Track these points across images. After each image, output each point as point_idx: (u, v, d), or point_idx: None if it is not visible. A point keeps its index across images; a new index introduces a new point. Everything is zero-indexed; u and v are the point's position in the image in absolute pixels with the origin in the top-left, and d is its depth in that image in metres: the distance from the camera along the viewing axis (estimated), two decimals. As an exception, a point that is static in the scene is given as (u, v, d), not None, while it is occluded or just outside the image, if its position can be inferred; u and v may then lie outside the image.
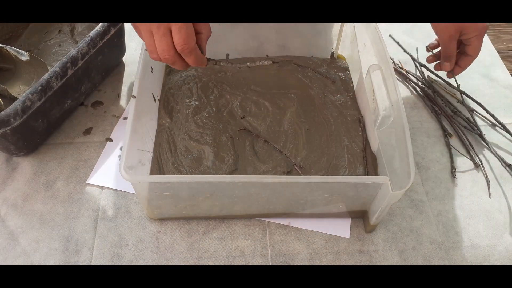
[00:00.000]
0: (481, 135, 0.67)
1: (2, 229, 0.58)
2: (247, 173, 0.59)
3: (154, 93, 0.65)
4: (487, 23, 0.65)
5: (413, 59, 0.79)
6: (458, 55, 0.69)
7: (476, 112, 0.71)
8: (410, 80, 0.76)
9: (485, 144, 0.67)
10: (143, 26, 0.50)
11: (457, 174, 0.64)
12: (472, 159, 0.65)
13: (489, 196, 0.61)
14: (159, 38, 0.49)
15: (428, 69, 0.75)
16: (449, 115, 0.70)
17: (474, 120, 0.70)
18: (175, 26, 0.48)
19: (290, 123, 0.65)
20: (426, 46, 0.73)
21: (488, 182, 0.62)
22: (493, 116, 0.69)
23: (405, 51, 0.80)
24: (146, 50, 0.57)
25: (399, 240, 0.57)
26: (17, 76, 0.67)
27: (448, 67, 0.69)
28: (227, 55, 0.61)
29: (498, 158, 0.65)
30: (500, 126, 0.69)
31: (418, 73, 0.77)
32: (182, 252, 0.56)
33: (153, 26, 0.48)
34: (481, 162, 0.65)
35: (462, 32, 0.65)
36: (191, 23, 0.50)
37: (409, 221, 0.59)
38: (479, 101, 0.72)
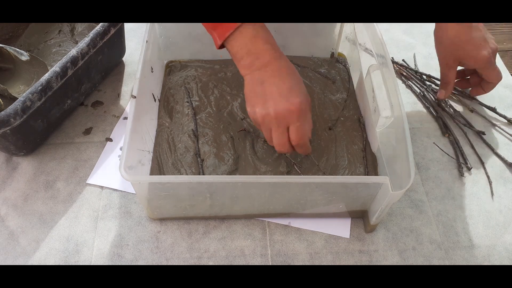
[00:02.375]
0: (481, 135, 0.67)
1: (2, 229, 0.58)
2: (247, 173, 0.59)
3: (154, 93, 0.65)
4: (488, 54, 0.62)
5: (414, 59, 0.79)
6: (481, 80, 0.67)
7: (476, 112, 0.71)
8: (410, 80, 0.76)
9: (485, 144, 0.67)
10: (263, 125, 0.53)
11: (458, 174, 0.64)
12: (466, 161, 0.65)
13: (492, 197, 0.61)
14: (278, 135, 0.52)
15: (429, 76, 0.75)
16: (450, 114, 0.70)
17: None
18: (293, 126, 0.51)
19: (290, 123, 0.64)
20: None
21: (490, 182, 0.62)
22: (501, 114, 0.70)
23: (405, 62, 0.80)
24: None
25: (399, 240, 0.57)
26: (17, 76, 0.67)
27: (442, 95, 0.67)
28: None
29: (499, 158, 0.65)
30: (504, 121, 0.69)
31: (416, 77, 0.77)
32: (182, 252, 0.56)
33: (273, 124, 0.51)
34: (482, 162, 0.64)
35: (461, 63, 0.64)
36: (310, 120, 0.53)
37: (409, 221, 0.59)
38: (479, 100, 0.72)
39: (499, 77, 0.65)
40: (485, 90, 0.68)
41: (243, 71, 0.53)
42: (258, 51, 0.51)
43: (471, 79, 0.69)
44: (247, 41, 0.51)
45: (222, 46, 0.53)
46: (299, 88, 0.52)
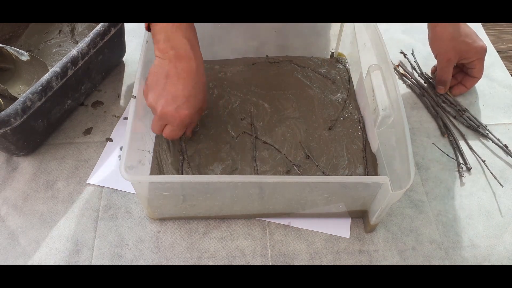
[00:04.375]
0: (484, 134, 0.67)
1: (2, 229, 0.58)
2: (247, 173, 0.59)
3: (154, 93, 0.65)
4: (483, 44, 0.67)
5: (414, 58, 0.79)
6: (463, 76, 0.72)
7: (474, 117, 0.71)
8: (410, 80, 0.76)
9: (484, 144, 0.67)
10: (150, 107, 0.55)
11: (458, 174, 0.64)
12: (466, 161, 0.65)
13: (494, 196, 0.61)
14: (156, 124, 0.56)
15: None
16: (452, 115, 0.70)
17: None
18: (169, 127, 0.55)
19: (289, 124, 0.65)
20: (432, 68, 0.76)
21: (494, 176, 0.62)
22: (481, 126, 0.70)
23: (404, 55, 0.80)
24: (145, 46, 0.58)
25: (399, 240, 0.57)
26: (17, 76, 0.67)
27: (442, 91, 0.72)
28: None
29: (506, 151, 0.65)
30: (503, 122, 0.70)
31: (417, 73, 0.77)
32: (182, 252, 0.56)
33: (155, 116, 0.55)
34: (483, 161, 0.64)
35: (462, 56, 0.68)
36: (184, 128, 0.56)
37: (409, 221, 0.59)
38: (479, 100, 0.72)
39: (483, 72, 0.70)
40: (468, 87, 0.72)
41: (156, 53, 0.53)
42: (175, 41, 0.52)
43: (452, 79, 0.72)
44: (169, 28, 0.51)
45: (149, 28, 0.54)
46: (194, 99, 0.53)
